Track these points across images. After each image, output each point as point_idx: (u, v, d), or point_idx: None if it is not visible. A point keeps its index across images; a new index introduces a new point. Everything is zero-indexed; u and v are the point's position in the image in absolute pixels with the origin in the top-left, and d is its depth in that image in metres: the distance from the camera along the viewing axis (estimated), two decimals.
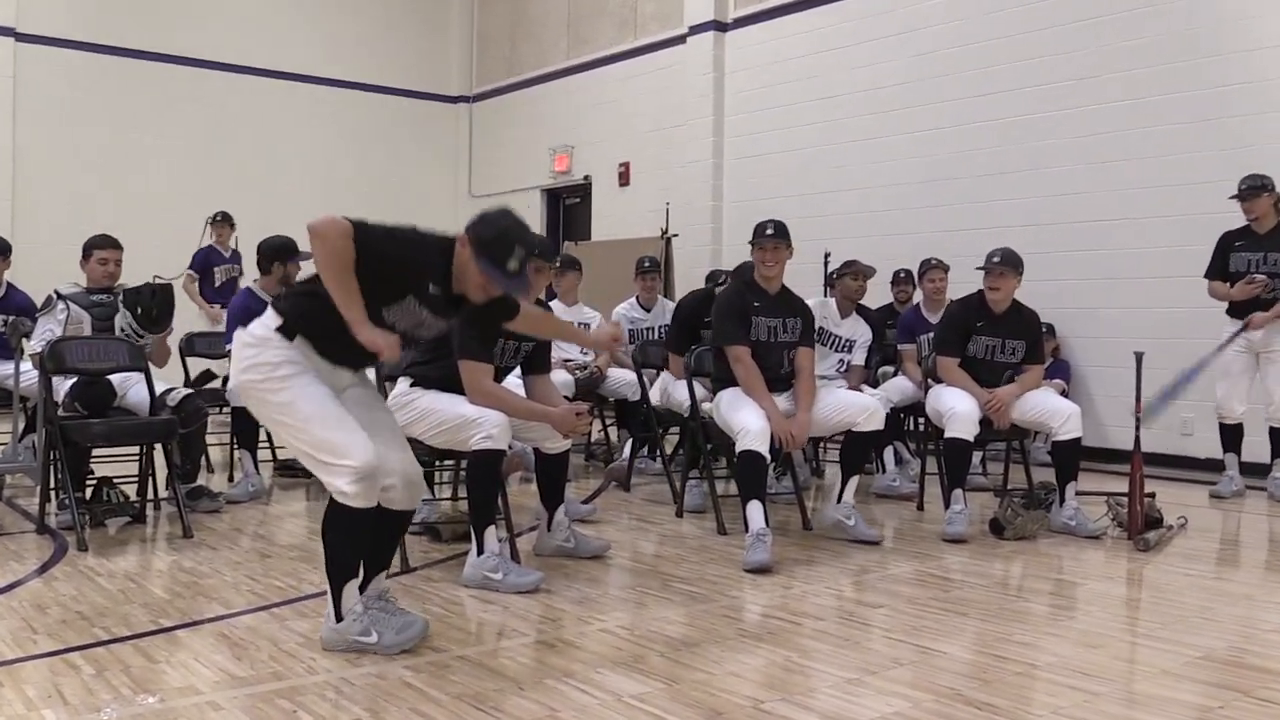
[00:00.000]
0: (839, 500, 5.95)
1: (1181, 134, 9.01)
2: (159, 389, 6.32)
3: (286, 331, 3.81)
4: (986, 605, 4.67)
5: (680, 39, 13.31)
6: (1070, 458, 6.25)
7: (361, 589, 3.94)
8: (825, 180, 11.62)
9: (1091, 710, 3.38)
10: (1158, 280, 9.14)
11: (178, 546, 5.71)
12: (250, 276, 7.77)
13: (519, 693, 3.49)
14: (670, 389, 7.25)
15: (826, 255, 9.74)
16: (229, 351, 7.16)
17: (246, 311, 7.13)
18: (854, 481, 5.96)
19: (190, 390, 6.83)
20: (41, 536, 5.85)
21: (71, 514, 5.71)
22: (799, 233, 6.19)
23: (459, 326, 4.97)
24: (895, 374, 8.21)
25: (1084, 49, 9.63)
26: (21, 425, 7.19)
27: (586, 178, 14.83)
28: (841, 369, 7.64)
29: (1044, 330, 6.85)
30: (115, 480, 6.31)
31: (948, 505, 6.16)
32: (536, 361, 5.40)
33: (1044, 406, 6.33)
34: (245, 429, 7.24)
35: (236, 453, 7.41)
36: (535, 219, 15.27)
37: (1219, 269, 7.63)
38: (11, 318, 6.91)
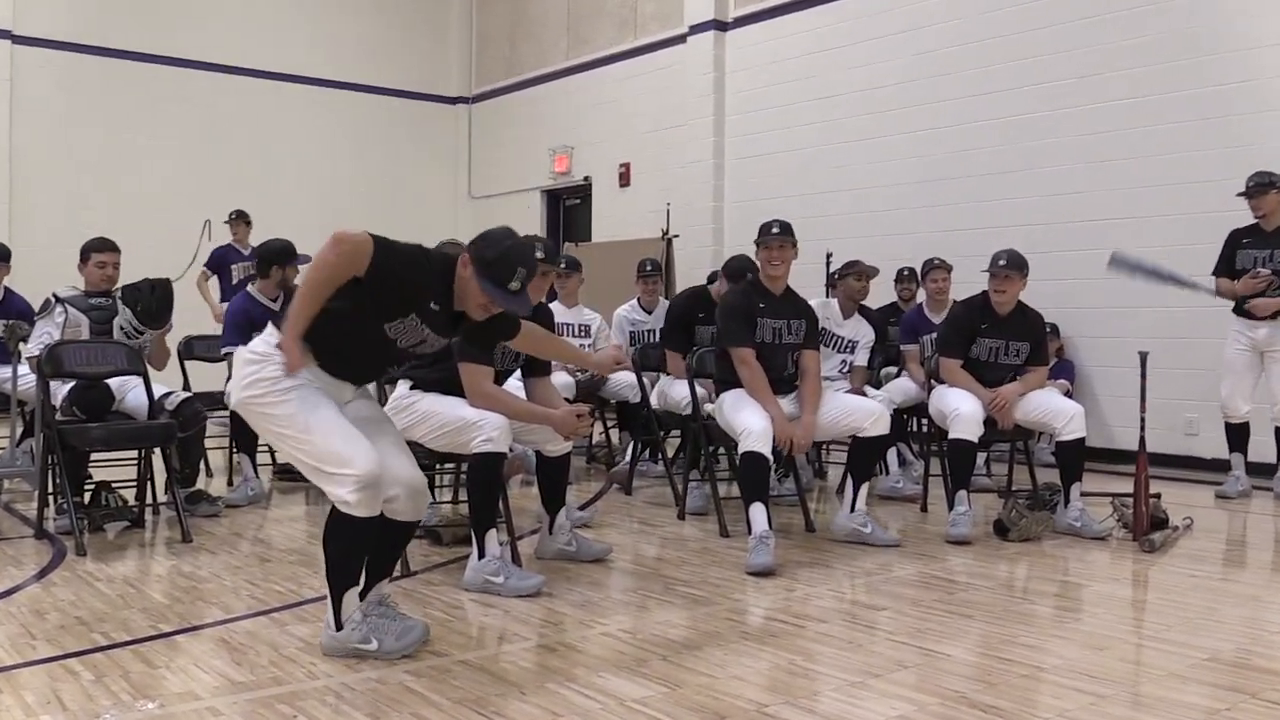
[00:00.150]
0: (852, 509, 5.92)
1: (1183, 132, 8.99)
2: (157, 392, 6.30)
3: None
4: (991, 607, 4.65)
5: (680, 39, 13.28)
6: (1075, 458, 6.23)
7: (362, 596, 3.93)
8: (826, 180, 11.60)
9: (1097, 713, 3.36)
10: None
11: (177, 551, 5.69)
12: None
13: (520, 697, 3.47)
14: (668, 390, 7.23)
15: (828, 255, 9.72)
16: (225, 355, 7.24)
17: (244, 314, 7.16)
18: (865, 488, 5.95)
19: (189, 394, 6.80)
20: (40, 541, 5.83)
21: (70, 519, 5.69)
22: (801, 233, 6.16)
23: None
24: (898, 375, 8.18)
25: (1084, 47, 9.61)
26: (19, 430, 7.19)
27: (586, 178, 14.81)
28: (844, 370, 7.62)
29: (1047, 331, 6.81)
30: (114, 485, 6.29)
31: (951, 507, 6.14)
32: (537, 364, 5.37)
33: (1048, 407, 6.30)
34: (244, 433, 7.20)
35: (236, 457, 7.40)
36: (535, 220, 15.26)
37: (1226, 266, 7.61)
38: (9, 321, 6.90)
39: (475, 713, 3.34)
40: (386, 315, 3.78)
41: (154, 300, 6.29)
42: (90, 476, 6.37)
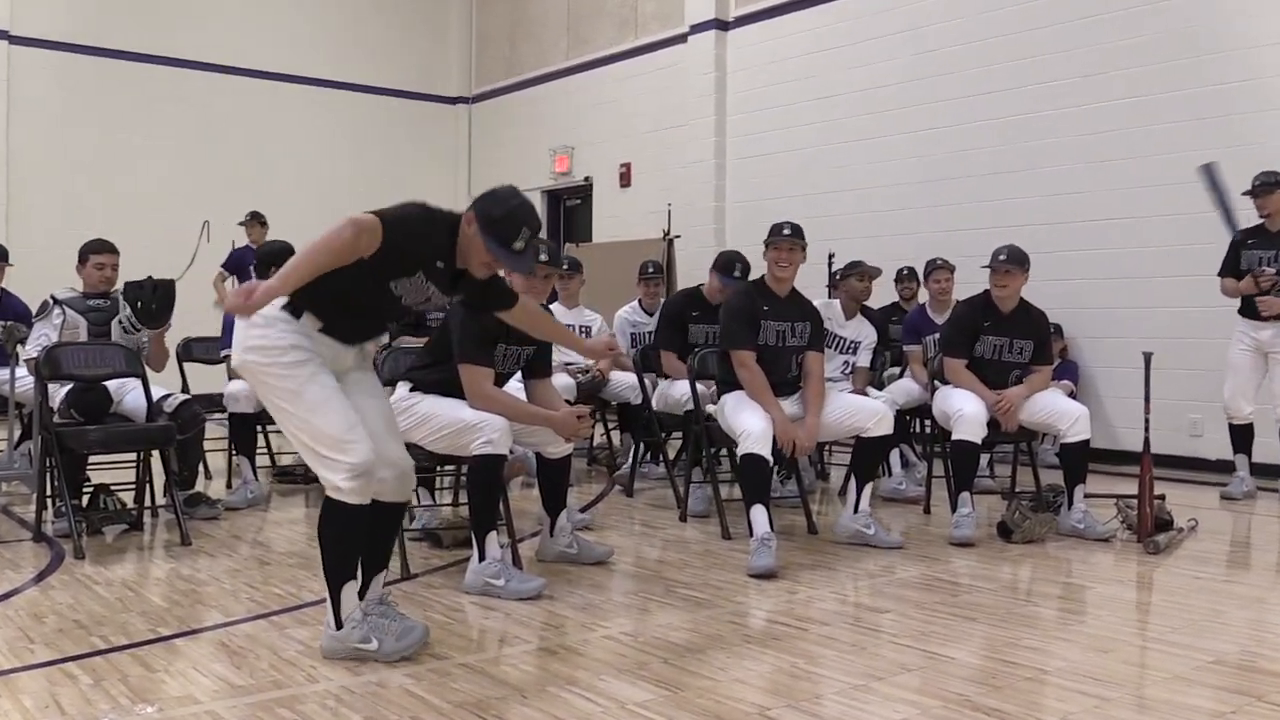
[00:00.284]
0: (855, 510, 5.91)
1: (1184, 132, 8.96)
2: (156, 394, 6.28)
3: (293, 309, 3.80)
4: (995, 609, 4.63)
5: (681, 38, 13.26)
6: (1079, 460, 6.20)
7: (361, 594, 3.92)
8: (828, 180, 11.58)
9: (1102, 716, 3.35)
10: (1166, 279, 9.10)
11: (176, 554, 5.67)
12: None
13: (521, 700, 3.46)
14: (668, 390, 7.21)
15: (830, 256, 9.70)
16: (224, 357, 7.22)
17: None
18: (869, 489, 5.94)
19: (188, 396, 6.78)
20: (38, 544, 5.82)
21: (68, 522, 5.66)
22: None
23: (458, 331, 4.95)
24: (901, 375, 8.16)
25: (1085, 47, 9.59)
26: (17, 432, 7.17)
27: (587, 179, 14.79)
28: (846, 371, 7.60)
29: (1052, 330, 6.79)
30: (112, 487, 6.27)
31: (955, 508, 6.11)
32: (537, 366, 5.36)
33: (1052, 408, 6.28)
34: (243, 435, 7.19)
35: (235, 459, 7.37)
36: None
37: (1231, 266, 7.59)
38: (7, 323, 6.88)
39: (475, 716, 3.32)
40: (393, 274, 3.80)
41: (155, 300, 6.26)
42: (88, 479, 6.35)
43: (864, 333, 7.72)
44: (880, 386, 7.98)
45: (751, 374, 5.80)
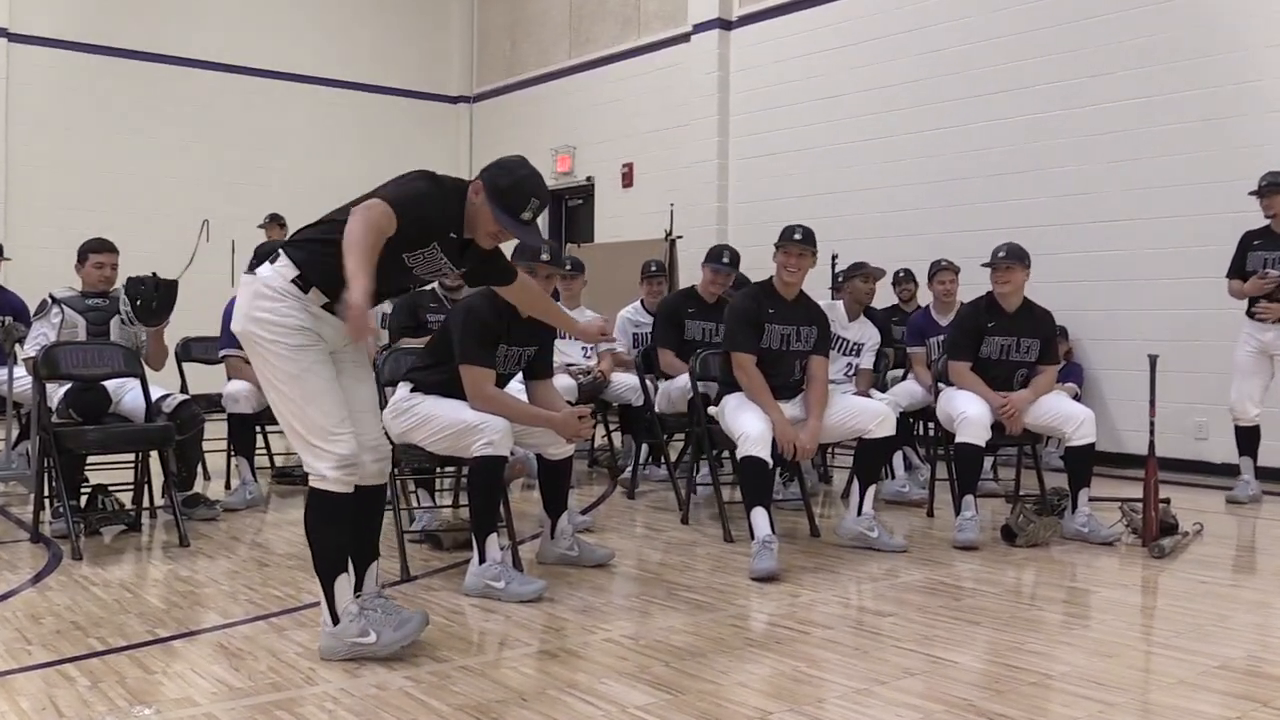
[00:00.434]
0: (859, 512, 5.88)
1: (1194, 132, 8.94)
2: (155, 394, 6.26)
3: (303, 282, 3.78)
4: (999, 613, 4.61)
5: (684, 37, 13.24)
6: (1084, 463, 6.17)
7: (356, 589, 3.92)
8: (832, 180, 11.56)
9: None
10: (1171, 281, 9.07)
11: (174, 555, 5.65)
12: None
13: (522, 704, 3.44)
14: (668, 389, 7.20)
15: (834, 257, 9.68)
16: (223, 357, 7.20)
17: None
18: (872, 491, 5.91)
19: (186, 396, 6.76)
20: (36, 545, 5.80)
21: (66, 522, 5.64)
22: None
23: (460, 332, 4.93)
24: (904, 377, 8.14)
25: (1092, 47, 9.56)
26: (15, 432, 7.15)
27: (589, 179, 14.77)
28: (849, 373, 7.57)
29: (1057, 330, 6.76)
30: (110, 488, 6.26)
31: (958, 511, 6.09)
32: (539, 367, 5.34)
33: (1057, 411, 6.24)
34: (242, 436, 7.17)
35: (234, 460, 7.35)
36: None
37: (1238, 267, 7.58)
38: (5, 322, 6.86)
39: None
40: (407, 247, 3.80)
41: (156, 298, 6.23)
42: (87, 479, 6.33)
43: (867, 334, 7.70)
44: (883, 388, 7.95)
45: (749, 377, 5.78)
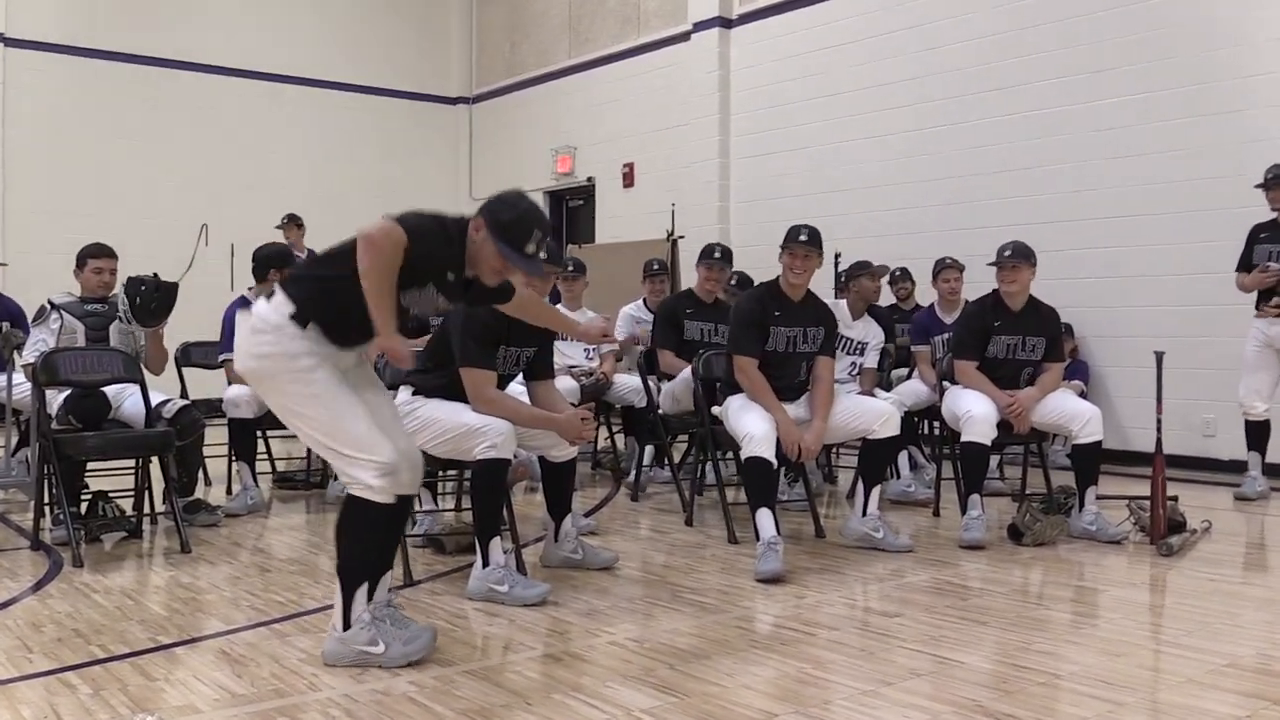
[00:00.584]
0: (864, 513, 5.86)
1: (1197, 126, 8.90)
2: (155, 400, 6.25)
3: (300, 319, 3.77)
4: (1006, 613, 4.59)
5: (684, 36, 13.21)
6: (1090, 461, 6.15)
7: (368, 596, 3.90)
8: (834, 178, 11.53)
9: None
10: (1177, 277, 9.04)
11: (175, 561, 5.64)
12: None
13: (526, 708, 3.43)
14: (673, 389, 7.18)
15: (837, 256, 9.63)
16: (223, 361, 7.17)
17: None
18: (877, 491, 5.88)
19: (187, 401, 6.74)
20: (36, 553, 5.78)
21: (66, 529, 5.62)
22: None
23: (459, 334, 4.91)
24: (909, 376, 8.11)
25: (1093, 43, 9.53)
26: (15, 439, 7.13)
27: (590, 179, 14.74)
28: (854, 372, 7.55)
29: (1062, 328, 6.74)
30: (111, 494, 6.23)
31: (965, 511, 6.07)
32: (539, 367, 5.32)
33: (1063, 409, 6.22)
34: (243, 441, 7.15)
35: (235, 465, 7.34)
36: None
37: (1245, 262, 7.55)
38: (4, 326, 6.84)
39: None
40: (405, 285, 3.77)
41: (155, 299, 6.20)
42: (87, 486, 6.31)
43: (871, 333, 7.68)
44: (888, 388, 7.93)
45: (751, 380, 5.76)
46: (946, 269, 8.20)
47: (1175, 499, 6.12)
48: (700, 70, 12.92)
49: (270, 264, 7.14)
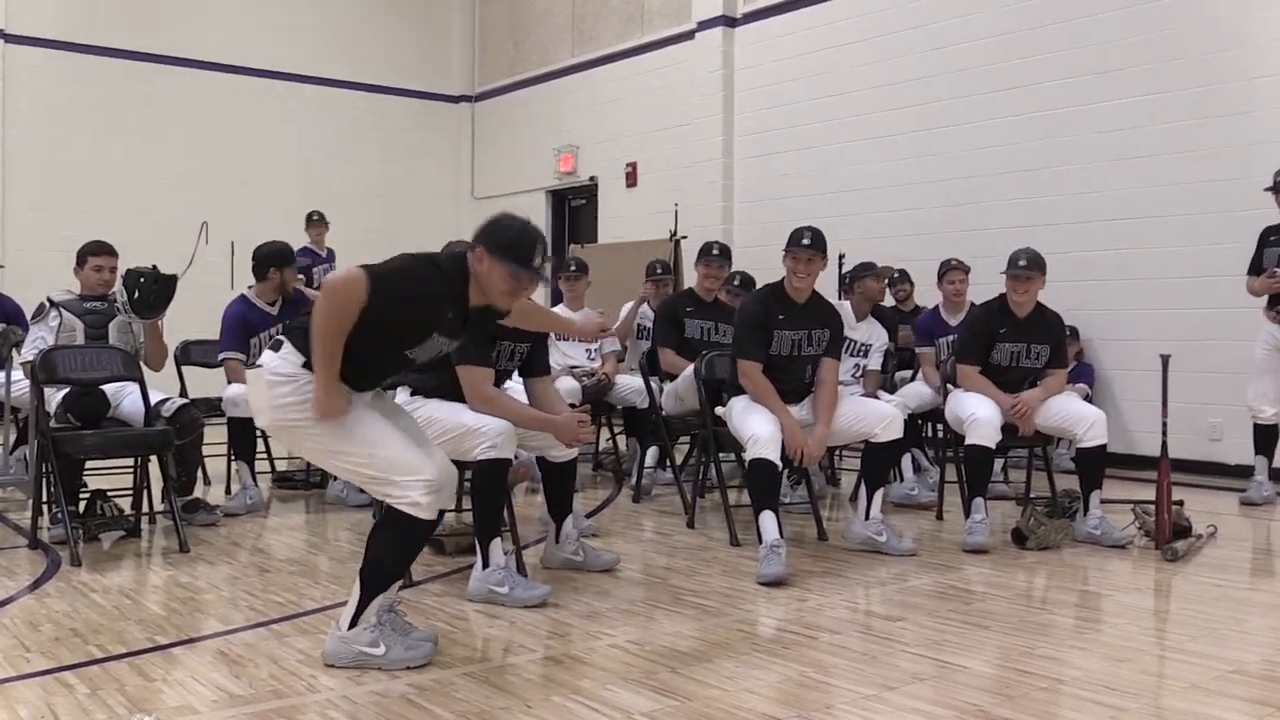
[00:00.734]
0: (867, 516, 5.83)
1: (1202, 129, 8.87)
2: (154, 398, 6.24)
3: (311, 368, 3.80)
4: (1009, 618, 4.57)
5: (688, 35, 13.18)
6: (1095, 465, 6.12)
7: None
8: (838, 179, 11.51)
9: None
10: (1183, 280, 9.01)
11: (174, 561, 5.62)
12: None
13: (526, 710, 3.42)
14: (676, 388, 7.16)
15: (841, 256, 9.62)
16: (223, 360, 7.15)
17: (241, 319, 7.09)
18: (879, 495, 5.86)
19: (186, 400, 6.72)
20: (34, 552, 5.77)
21: (64, 528, 5.60)
22: None
23: None
24: (913, 378, 8.09)
25: (1100, 43, 9.49)
26: (13, 437, 7.11)
27: (592, 179, 14.72)
28: (857, 374, 7.53)
29: (1067, 333, 6.71)
30: (109, 493, 6.22)
31: (968, 514, 6.04)
32: (535, 364, 5.31)
33: (1068, 412, 6.19)
34: (243, 440, 7.13)
35: (234, 464, 7.32)
36: (540, 222, 15.12)
37: (1255, 265, 7.53)
38: (2, 326, 6.82)
39: None
40: (409, 343, 3.86)
41: (153, 291, 6.18)
42: (85, 485, 6.30)
43: (875, 335, 7.66)
44: (892, 390, 7.91)
45: (756, 385, 5.74)
46: (952, 270, 8.17)
47: (1180, 503, 6.11)
48: (704, 69, 12.90)
49: (270, 262, 7.13)
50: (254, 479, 7.14)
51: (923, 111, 10.79)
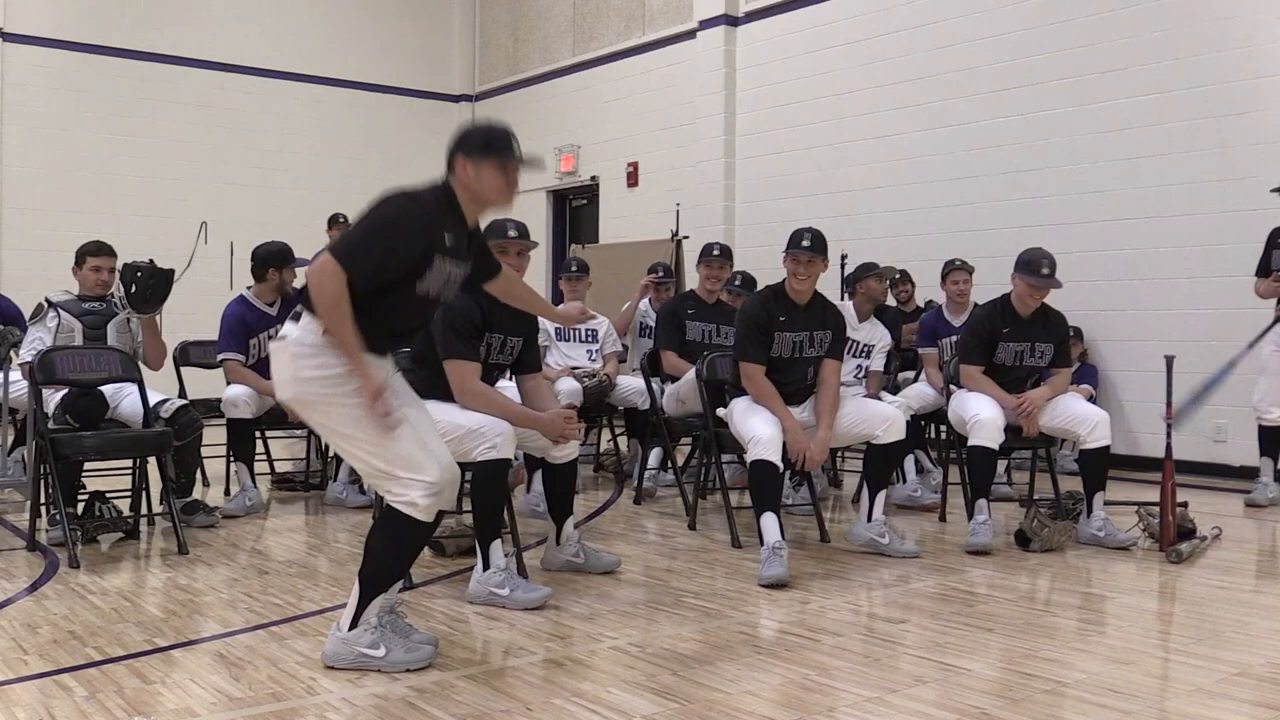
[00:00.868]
0: (869, 518, 5.81)
1: (1208, 128, 8.86)
2: (153, 399, 6.22)
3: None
4: (1012, 620, 4.56)
5: (690, 34, 13.18)
6: (1099, 466, 6.10)
7: None
8: (840, 179, 11.50)
9: None
10: (1188, 280, 8.99)
11: (172, 563, 5.61)
12: None
13: (527, 713, 3.41)
14: (678, 390, 7.15)
15: (843, 257, 9.60)
16: (222, 361, 7.14)
17: (240, 320, 7.08)
18: (882, 496, 5.84)
19: (185, 401, 6.71)
20: (32, 553, 5.76)
21: (63, 530, 5.58)
22: None
23: (441, 329, 4.87)
24: (916, 379, 8.07)
25: (1108, 41, 9.47)
26: (11, 438, 7.09)
27: (593, 178, 14.71)
28: (859, 375, 7.50)
29: (1070, 333, 6.69)
30: (108, 495, 6.19)
31: (971, 516, 6.02)
32: (527, 360, 5.28)
33: (1072, 413, 6.17)
34: (242, 442, 7.11)
35: (233, 466, 7.31)
36: (541, 221, 15.13)
37: (1264, 267, 7.51)
38: (1, 327, 6.80)
39: None
40: (414, 274, 3.79)
41: (151, 285, 6.16)
42: (84, 486, 6.27)
43: (877, 336, 7.64)
44: (894, 390, 7.89)
45: (758, 388, 5.73)
46: (955, 270, 8.16)
47: (1185, 505, 6.08)
48: (705, 69, 12.88)
49: (270, 263, 7.12)
50: (253, 480, 7.11)
51: (924, 111, 10.78)
